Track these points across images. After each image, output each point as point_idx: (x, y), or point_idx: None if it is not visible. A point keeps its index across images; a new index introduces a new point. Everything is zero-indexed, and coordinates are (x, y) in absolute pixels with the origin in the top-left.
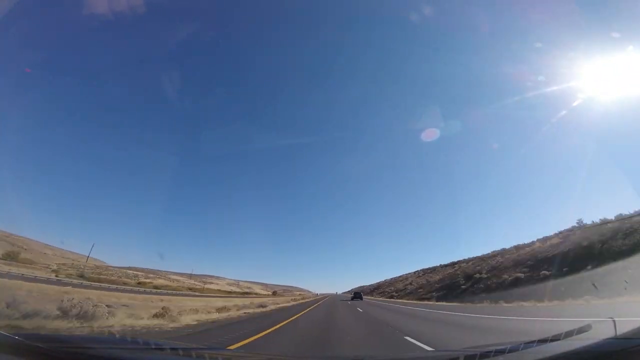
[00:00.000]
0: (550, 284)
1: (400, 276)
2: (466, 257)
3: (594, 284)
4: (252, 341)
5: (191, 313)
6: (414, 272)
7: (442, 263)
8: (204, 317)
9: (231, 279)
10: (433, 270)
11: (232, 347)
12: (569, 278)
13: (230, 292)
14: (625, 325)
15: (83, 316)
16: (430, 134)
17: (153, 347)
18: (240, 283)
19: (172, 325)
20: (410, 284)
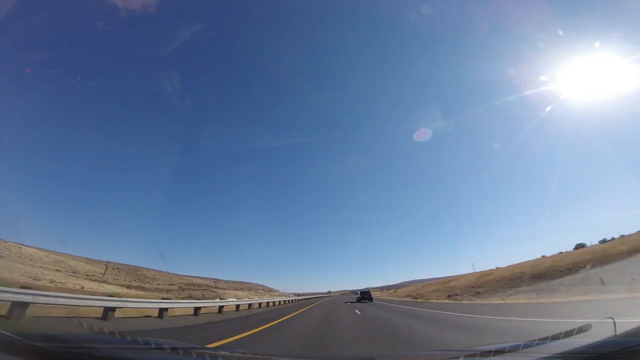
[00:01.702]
0: None
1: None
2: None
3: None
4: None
5: None
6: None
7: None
8: None
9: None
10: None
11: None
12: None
13: None
14: (625, 324)
15: None
16: (424, 134)
17: (153, 346)
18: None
19: None
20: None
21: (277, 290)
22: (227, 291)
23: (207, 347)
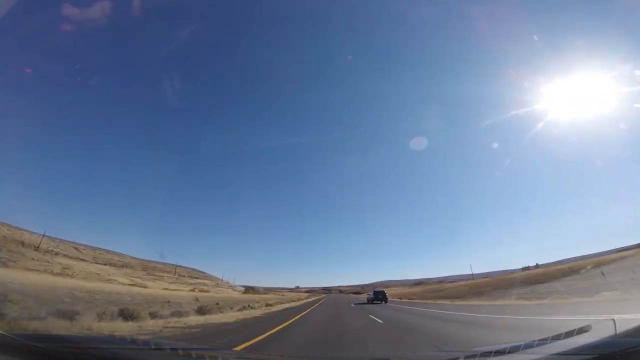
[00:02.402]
0: None
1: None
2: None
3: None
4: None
5: None
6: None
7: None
8: None
9: None
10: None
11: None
12: None
13: None
14: (625, 324)
15: None
16: (420, 142)
17: (153, 347)
18: None
19: None
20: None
21: (216, 279)
22: (57, 258)
23: (206, 347)
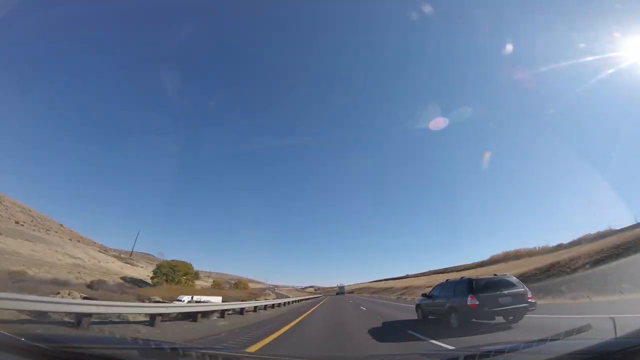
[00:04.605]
0: None
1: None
2: None
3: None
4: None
5: None
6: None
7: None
8: None
9: None
10: None
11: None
12: None
13: None
14: (625, 325)
15: None
16: (438, 123)
17: (153, 347)
18: None
19: None
20: None
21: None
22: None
23: (206, 347)
